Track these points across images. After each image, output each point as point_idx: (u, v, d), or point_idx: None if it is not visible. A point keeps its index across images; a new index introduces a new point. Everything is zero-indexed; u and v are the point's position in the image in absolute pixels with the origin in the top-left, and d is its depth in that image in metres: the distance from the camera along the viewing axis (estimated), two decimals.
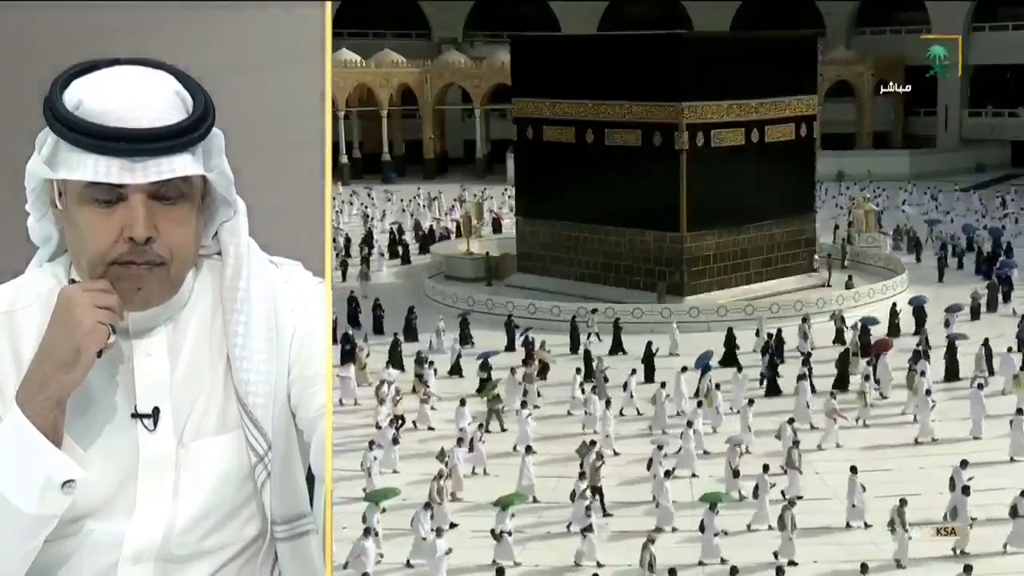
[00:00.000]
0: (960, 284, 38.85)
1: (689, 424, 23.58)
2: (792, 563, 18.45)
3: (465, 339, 31.94)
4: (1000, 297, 36.63)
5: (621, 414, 26.07)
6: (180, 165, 4.80)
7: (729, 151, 36.51)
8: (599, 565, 18.73)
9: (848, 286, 37.17)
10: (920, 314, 33.44)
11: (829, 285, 38.22)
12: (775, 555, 18.59)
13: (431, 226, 51.23)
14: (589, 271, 37.87)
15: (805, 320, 32.46)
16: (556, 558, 19.30)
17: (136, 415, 4.91)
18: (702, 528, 18.86)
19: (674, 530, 19.93)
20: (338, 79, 61.32)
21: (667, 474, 21.00)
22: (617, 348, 31.51)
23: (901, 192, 57.78)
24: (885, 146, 71.50)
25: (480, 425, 24.57)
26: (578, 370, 28.39)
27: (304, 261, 5.63)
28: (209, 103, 5.02)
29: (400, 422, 25.16)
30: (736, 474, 21.46)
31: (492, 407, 25.80)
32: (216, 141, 5.05)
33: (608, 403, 25.14)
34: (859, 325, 31.33)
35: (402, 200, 58.42)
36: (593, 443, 22.99)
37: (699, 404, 25.41)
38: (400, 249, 46.59)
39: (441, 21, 77.65)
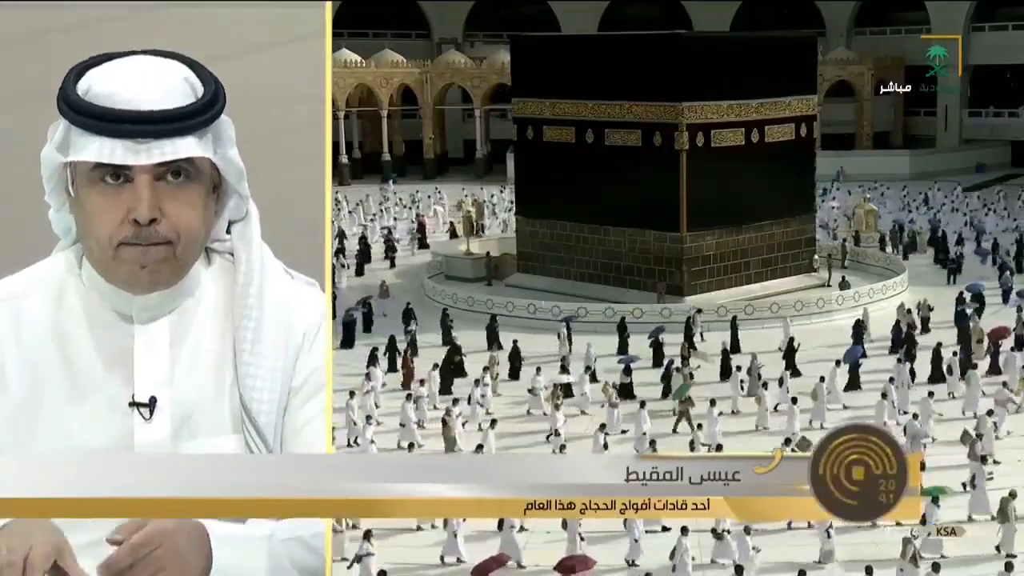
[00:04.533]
0: (929, 277, 39.14)
1: (915, 415, 23.85)
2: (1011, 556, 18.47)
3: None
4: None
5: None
6: (184, 147, 4.82)
7: (729, 151, 36.47)
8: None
9: (843, 286, 37.16)
10: (979, 300, 33.68)
11: (829, 285, 38.21)
12: (997, 549, 18.66)
13: (363, 235, 47.65)
14: (589, 271, 37.84)
15: (909, 311, 32.66)
16: (795, 555, 19.03)
17: (134, 404, 4.93)
18: (923, 521, 18.14)
19: (875, 525, 18.81)
20: (338, 79, 61.22)
21: None
22: (735, 345, 31.21)
23: (832, 189, 57.95)
24: (885, 146, 71.47)
25: (699, 425, 24.41)
26: (737, 367, 28.04)
27: (303, 260, 5.62)
28: (220, 91, 5.04)
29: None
30: (923, 467, 21.24)
31: (683, 409, 25.50)
32: (225, 129, 5.06)
33: (795, 400, 25.06)
34: (969, 313, 31.69)
35: None
36: (788, 440, 22.81)
37: (883, 396, 25.33)
38: (358, 259, 44.04)
39: (441, 21, 77.56)
